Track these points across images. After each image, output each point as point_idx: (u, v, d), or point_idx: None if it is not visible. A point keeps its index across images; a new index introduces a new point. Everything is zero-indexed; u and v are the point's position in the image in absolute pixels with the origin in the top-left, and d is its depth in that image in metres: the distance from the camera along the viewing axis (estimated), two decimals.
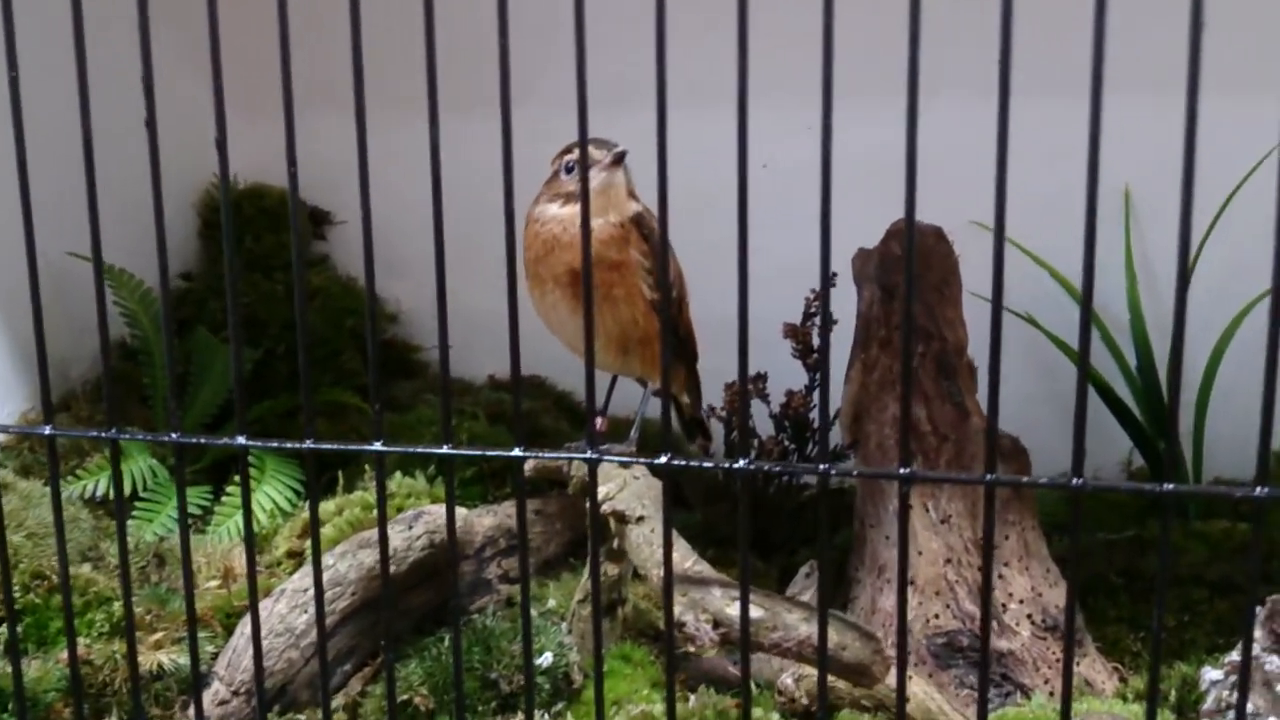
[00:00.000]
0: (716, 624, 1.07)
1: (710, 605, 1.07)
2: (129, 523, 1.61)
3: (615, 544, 1.25)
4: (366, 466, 1.75)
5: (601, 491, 1.30)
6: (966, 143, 1.45)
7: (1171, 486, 0.86)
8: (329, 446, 1.03)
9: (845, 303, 1.64)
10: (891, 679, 1.08)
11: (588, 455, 0.95)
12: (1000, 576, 1.54)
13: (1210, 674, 1.31)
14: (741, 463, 0.92)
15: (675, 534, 1.12)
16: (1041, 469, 1.66)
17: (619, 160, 1.40)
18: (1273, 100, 1.56)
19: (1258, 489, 0.85)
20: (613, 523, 1.21)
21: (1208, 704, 1.30)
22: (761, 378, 1.84)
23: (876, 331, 1.64)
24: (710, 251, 1.54)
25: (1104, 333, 1.96)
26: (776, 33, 1.38)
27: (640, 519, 1.19)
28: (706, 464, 0.93)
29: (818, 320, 1.82)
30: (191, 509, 1.68)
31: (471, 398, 2.06)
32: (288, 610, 1.40)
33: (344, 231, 2.29)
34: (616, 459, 0.97)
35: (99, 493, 1.65)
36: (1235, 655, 1.29)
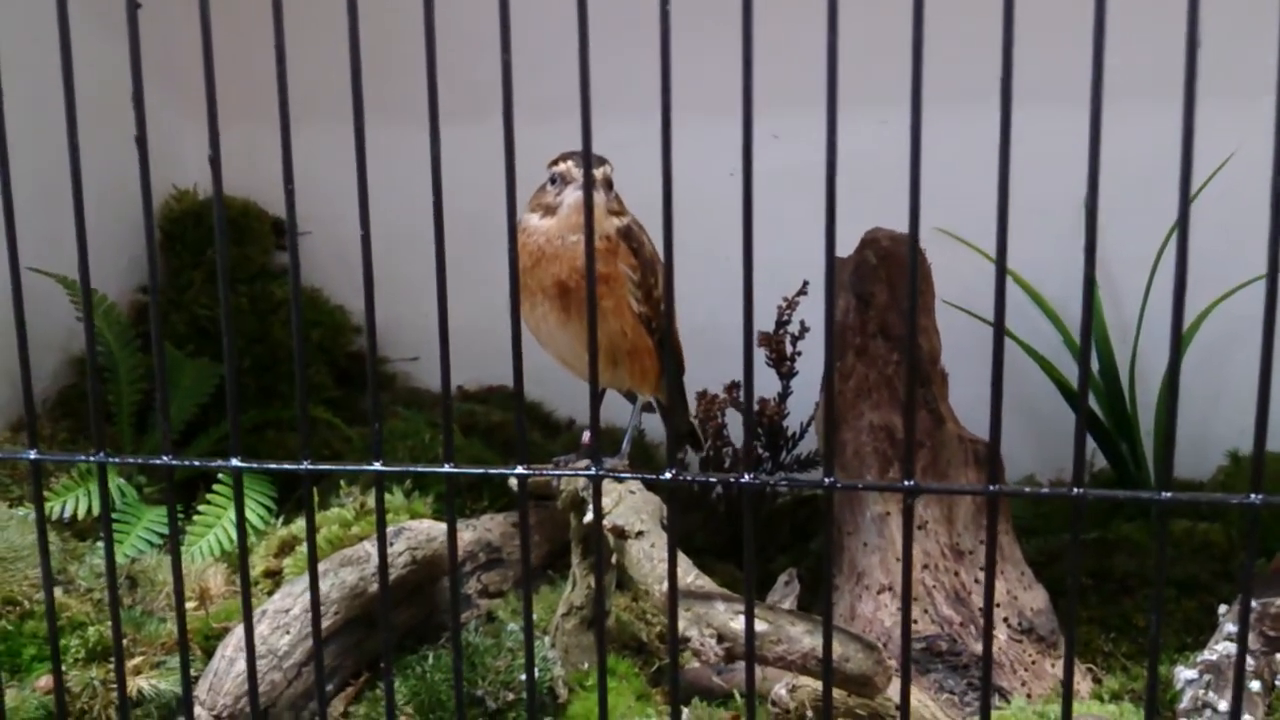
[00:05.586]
0: (720, 638, 1.07)
1: (714, 620, 1.08)
2: (98, 544, 1.57)
3: (613, 559, 1.25)
4: (342, 482, 1.73)
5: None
6: (928, 150, 1.47)
7: (1169, 495, 0.88)
8: (326, 468, 1.02)
9: (817, 309, 1.65)
10: (892, 689, 1.10)
11: (592, 473, 0.95)
12: (976, 581, 1.56)
13: (1185, 674, 1.34)
14: (747, 477, 0.93)
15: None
16: (1007, 473, 1.69)
17: (606, 183, 1.40)
18: (1227, 109, 1.60)
19: (1252, 495, 0.87)
20: (611, 538, 1.21)
21: (1184, 703, 1.33)
22: (735, 386, 1.85)
23: (852, 340, 1.66)
24: (681, 259, 1.54)
25: (1066, 336, 2.01)
26: (739, 44, 1.39)
27: (639, 534, 1.19)
28: (712, 479, 0.93)
29: (789, 329, 1.83)
30: (162, 529, 1.64)
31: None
32: (269, 631, 1.38)
33: (308, 243, 2.25)
34: (621, 476, 0.97)
35: (67, 514, 1.61)
36: (1208, 654, 1.33)
